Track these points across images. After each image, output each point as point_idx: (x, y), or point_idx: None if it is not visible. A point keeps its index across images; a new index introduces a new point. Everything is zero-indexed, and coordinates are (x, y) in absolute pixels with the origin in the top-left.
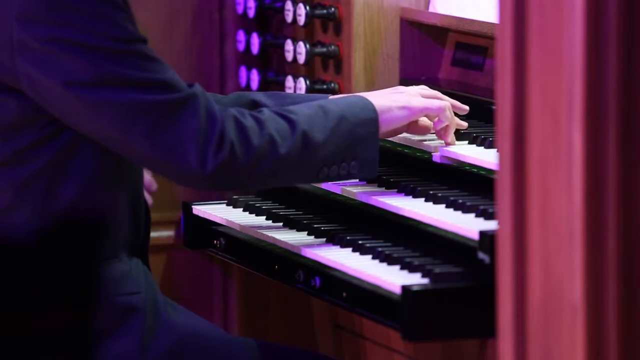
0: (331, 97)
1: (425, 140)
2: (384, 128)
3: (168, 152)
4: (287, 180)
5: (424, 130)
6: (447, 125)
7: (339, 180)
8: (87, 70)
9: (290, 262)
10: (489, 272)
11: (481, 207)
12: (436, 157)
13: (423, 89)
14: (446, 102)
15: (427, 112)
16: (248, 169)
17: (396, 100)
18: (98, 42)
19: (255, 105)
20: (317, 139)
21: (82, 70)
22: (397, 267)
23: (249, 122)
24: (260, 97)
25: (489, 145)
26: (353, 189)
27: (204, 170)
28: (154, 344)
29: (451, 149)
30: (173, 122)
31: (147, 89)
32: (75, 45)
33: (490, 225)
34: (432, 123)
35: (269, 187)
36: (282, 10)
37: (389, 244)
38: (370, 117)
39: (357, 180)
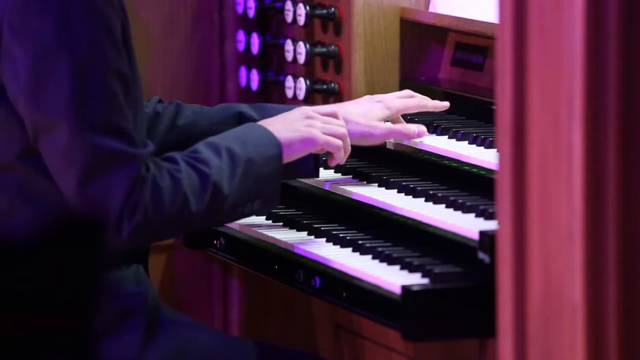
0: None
1: (426, 141)
2: (285, 161)
3: (92, 202)
4: (196, 228)
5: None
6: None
7: (243, 217)
8: (56, 90)
9: (290, 262)
10: (489, 272)
11: (481, 207)
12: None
13: (328, 119)
14: (343, 141)
15: (326, 148)
16: (160, 228)
17: (299, 131)
18: (77, 61)
19: (241, 117)
20: (227, 190)
21: (53, 88)
22: (397, 267)
23: (165, 181)
24: (246, 109)
25: (489, 145)
26: (353, 189)
27: (118, 233)
28: (154, 346)
29: (450, 148)
30: (108, 173)
31: (102, 126)
32: (52, 58)
33: (490, 225)
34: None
35: (178, 235)
36: (282, 10)
37: (389, 244)
38: (274, 154)
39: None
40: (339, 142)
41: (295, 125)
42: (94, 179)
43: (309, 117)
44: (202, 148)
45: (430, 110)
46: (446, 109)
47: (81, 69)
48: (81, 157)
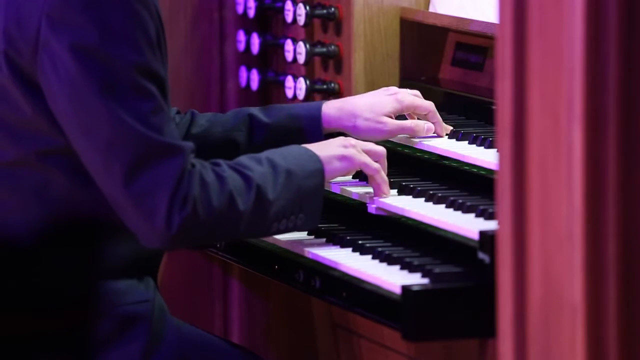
0: (276, 150)
1: (425, 141)
2: (327, 179)
3: (141, 196)
4: (242, 236)
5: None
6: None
7: (287, 232)
8: (94, 84)
9: (290, 262)
10: (489, 272)
11: (481, 207)
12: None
13: (366, 143)
14: (380, 165)
15: (363, 169)
16: (208, 227)
17: (336, 151)
18: (116, 58)
19: (251, 119)
20: (270, 196)
21: (90, 83)
22: (397, 267)
23: (211, 178)
24: (255, 111)
25: (489, 145)
26: (353, 189)
27: (168, 228)
28: (157, 355)
29: (450, 148)
30: (155, 165)
31: (146, 120)
32: (92, 54)
33: (490, 225)
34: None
35: (224, 242)
36: (282, 10)
37: (389, 244)
38: (317, 168)
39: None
40: (376, 165)
41: (334, 146)
42: (141, 173)
43: (346, 139)
44: (242, 158)
45: (437, 120)
46: (447, 132)
47: (121, 67)
48: (125, 152)
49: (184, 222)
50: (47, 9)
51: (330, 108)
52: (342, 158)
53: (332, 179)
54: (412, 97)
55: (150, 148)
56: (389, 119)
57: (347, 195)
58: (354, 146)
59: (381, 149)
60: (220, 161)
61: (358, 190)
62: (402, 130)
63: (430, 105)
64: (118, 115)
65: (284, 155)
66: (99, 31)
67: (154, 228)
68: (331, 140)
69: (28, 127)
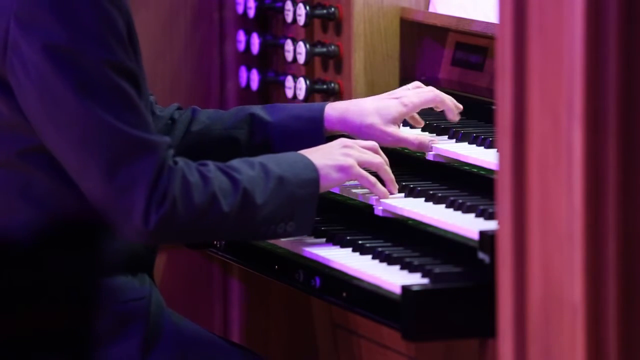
0: (273, 155)
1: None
2: (322, 189)
3: (119, 193)
4: (229, 237)
5: None
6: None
7: (277, 238)
8: (66, 82)
9: (290, 262)
10: (489, 272)
11: (481, 207)
12: (429, 156)
13: (365, 150)
14: (383, 169)
15: (359, 181)
16: (187, 225)
17: (336, 160)
18: (87, 56)
19: (252, 118)
20: (258, 200)
21: (62, 82)
22: (397, 267)
23: (194, 177)
24: (258, 110)
25: (489, 145)
26: (353, 189)
27: (145, 224)
28: (155, 351)
29: (450, 148)
30: (132, 161)
31: (120, 117)
32: (63, 53)
33: (490, 225)
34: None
35: (208, 241)
36: (282, 10)
37: (389, 244)
38: (312, 177)
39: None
40: (372, 178)
41: (333, 154)
42: (118, 170)
43: (346, 146)
44: (234, 161)
45: (446, 107)
46: (460, 110)
47: (92, 65)
48: (101, 149)
49: (161, 219)
50: (15, 9)
51: (334, 110)
52: (340, 169)
53: (328, 189)
54: (415, 98)
55: (126, 144)
56: (395, 130)
57: (347, 195)
58: (352, 155)
59: (379, 161)
60: (209, 162)
61: (361, 191)
62: (406, 145)
63: (435, 97)
64: (92, 112)
65: (279, 161)
66: (68, 30)
67: (132, 224)
68: (331, 145)
69: (7, 127)
